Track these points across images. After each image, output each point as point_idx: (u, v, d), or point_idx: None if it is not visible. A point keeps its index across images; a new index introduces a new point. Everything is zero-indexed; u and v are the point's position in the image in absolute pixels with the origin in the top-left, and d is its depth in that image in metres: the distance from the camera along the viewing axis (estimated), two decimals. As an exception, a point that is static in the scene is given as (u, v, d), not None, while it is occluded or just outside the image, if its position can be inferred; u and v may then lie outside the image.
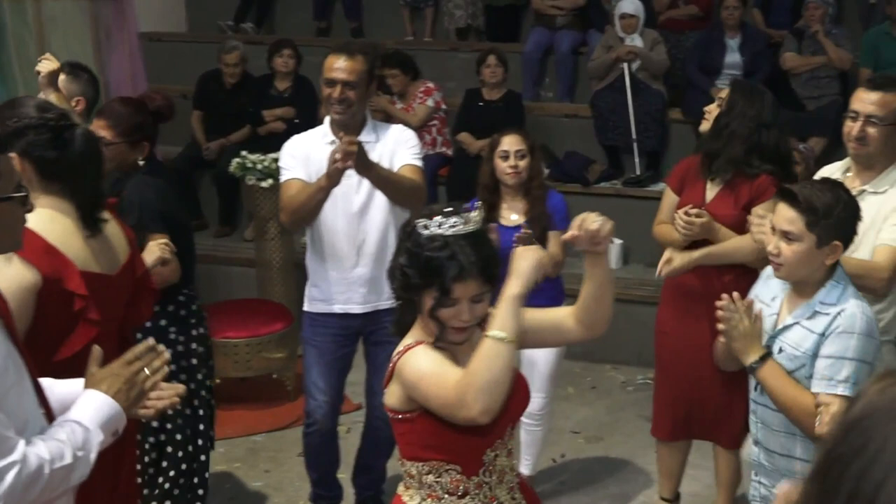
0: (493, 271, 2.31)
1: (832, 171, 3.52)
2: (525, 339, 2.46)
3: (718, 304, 2.82)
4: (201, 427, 3.87)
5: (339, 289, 3.90)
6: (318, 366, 4.00)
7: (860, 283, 2.91)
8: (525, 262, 2.29)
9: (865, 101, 3.31)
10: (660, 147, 7.16)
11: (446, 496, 2.40)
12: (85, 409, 2.08)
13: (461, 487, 2.39)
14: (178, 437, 3.77)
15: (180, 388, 2.38)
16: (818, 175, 3.44)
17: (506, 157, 4.09)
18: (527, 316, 2.42)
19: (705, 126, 3.88)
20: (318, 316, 3.97)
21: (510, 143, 4.10)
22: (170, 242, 3.52)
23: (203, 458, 3.91)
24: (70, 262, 2.61)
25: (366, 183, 3.76)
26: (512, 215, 4.13)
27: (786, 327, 2.78)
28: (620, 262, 6.73)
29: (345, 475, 4.38)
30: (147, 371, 2.18)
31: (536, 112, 7.43)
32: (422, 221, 2.32)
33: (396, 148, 3.83)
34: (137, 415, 2.27)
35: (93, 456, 2.04)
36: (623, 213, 6.71)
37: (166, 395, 2.31)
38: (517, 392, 2.47)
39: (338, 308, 3.93)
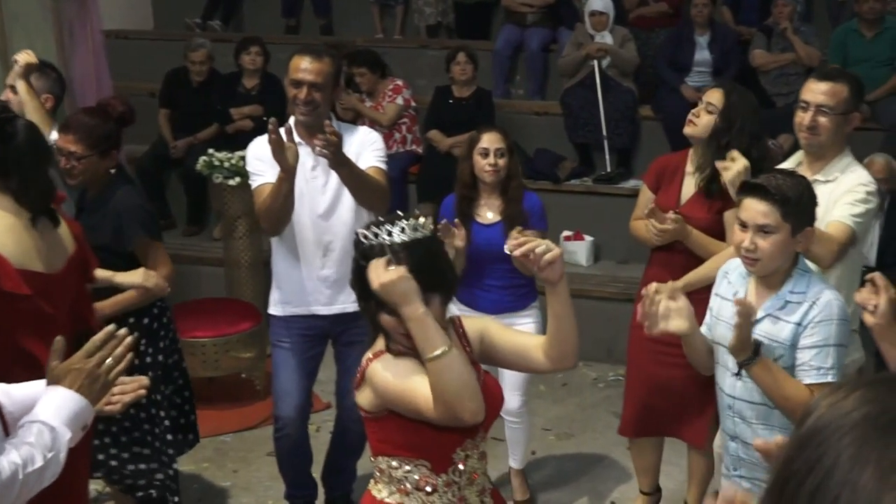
0: (429, 279, 2.27)
1: (787, 166, 3.56)
2: (493, 357, 2.54)
3: (736, 300, 2.72)
4: (169, 437, 3.84)
5: (305, 291, 3.86)
6: (286, 369, 3.95)
7: (809, 249, 2.93)
8: (396, 287, 2.20)
9: (815, 91, 3.35)
10: (630, 144, 7.16)
11: (415, 491, 2.40)
12: (48, 407, 2.02)
13: (429, 484, 2.40)
14: (124, 439, 3.72)
15: (144, 380, 2.33)
16: None
17: (485, 154, 4.03)
18: (499, 337, 2.51)
19: (692, 130, 3.79)
20: (285, 319, 3.92)
21: (490, 140, 4.04)
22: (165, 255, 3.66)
23: (175, 465, 3.89)
24: (5, 262, 2.55)
25: (332, 184, 3.73)
26: (488, 213, 4.10)
27: (758, 320, 2.78)
28: (591, 259, 6.72)
29: (316, 474, 4.33)
30: (110, 361, 2.10)
31: (507, 109, 7.41)
32: (362, 232, 2.33)
33: (362, 150, 3.78)
34: (104, 410, 2.22)
35: (63, 455, 2.00)
36: (594, 210, 6.75)
37: (130, 388, 2.27)
38: (487, 397, 2.45)
39: (304, 310, 3.88)
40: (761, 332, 2.77)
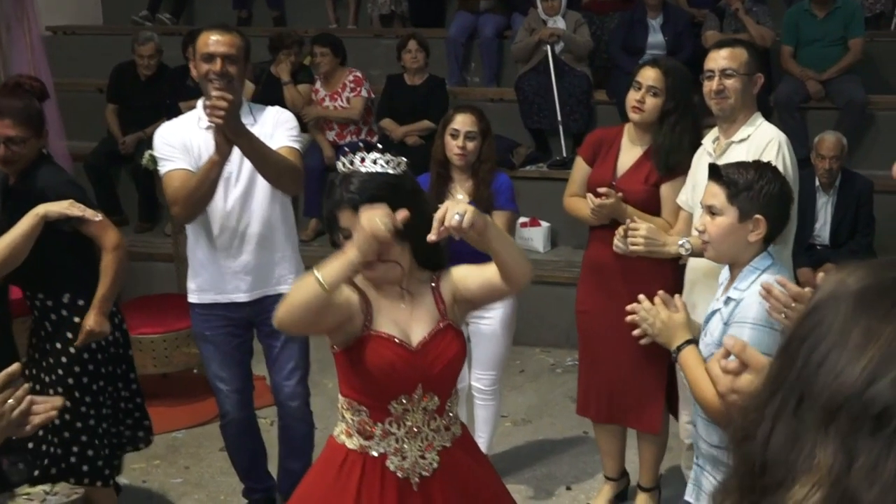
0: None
1: (706, 143, 3.62)
2: (471, 302, 2.64)
3: (629, 308, 2.73)
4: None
5: (224, 278, 3.76)
6: (216, 359, 3.87)
7: None
8: (361, 234, 2.31)
9: (717, 58, 3.53)
10: (586, 129, 7.09)
11: (356, 434, 2.56)
12: None
13: (367, 430, 2.54)
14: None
15: (58, 402, 2.30)
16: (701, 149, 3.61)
17: (455, 135, 3.92)
18: (466, 283, 2.60)
19: (641, 116, 3.75)
20: (205, 307, 3.82)
21: (462, 122, 3.93)
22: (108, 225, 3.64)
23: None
24: None
25: (245, 168, 3.62)
26: (458, 194, 4.01)
27: (713, 312, 2.73)
28: (548, 245, 6.69)
29: (273, 469, 4.24)
30: (12, 402, 2.14)
31: (461, 96, 7.36)
32: (344, 158, 2.51)
33: (275, 129, 3.67)
34: (13, 433, 2.21)
35: None
36: (549, 195, 6.68)
37: (42, 409, 2.25)
38: (436, 356, 2.53)
39: (224, 298, 3.78)
40: (709, 326, 2.70)
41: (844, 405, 0.86)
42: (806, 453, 0.88)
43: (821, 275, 2.51)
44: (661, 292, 2.72)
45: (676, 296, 2.74)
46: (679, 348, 2.62)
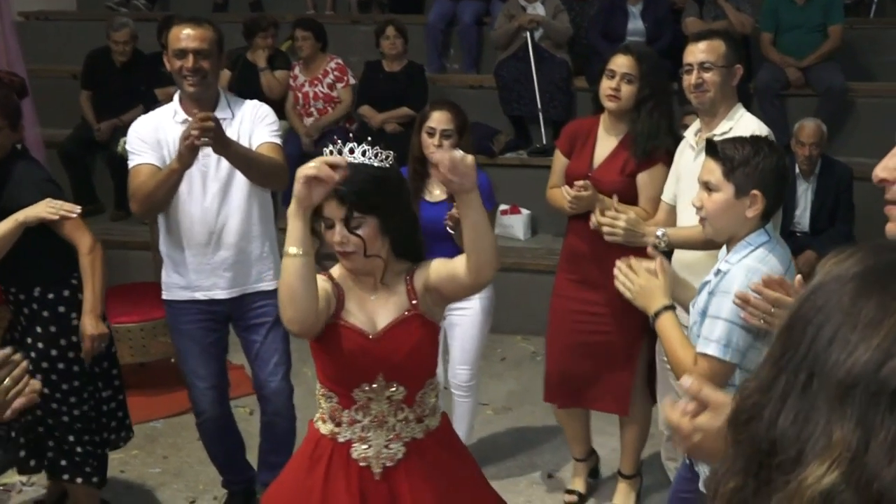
0: (357, 201, 2.42)
1: (688, 136, 3.60)
2: (440, 295, 2.61)
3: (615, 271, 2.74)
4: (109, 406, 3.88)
5: (201, 275, 3.70)
6: (192, 355, 3.81)
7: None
8: (295, 184, 2.32)
9: (695, 51, 3.50)
10: (566, 116, 7.07)
11: (329, 421, 2.62)
12: None
13: (336, 416, 2.60)
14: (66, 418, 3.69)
15: (37, 385, 2.26)
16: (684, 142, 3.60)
17: (431, 133, 3.87)
18: (436, 276, 2.58)
19: (617, 105, 3.71)
20: (182, 304, 3.75)
21: (438, 120, 3.86)
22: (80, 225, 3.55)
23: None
24: None
25: (224, 164, 3.55)
26: (436, 190, 3.97)
27: (704, 283, 2.72)
28: (528, 232, 6.66)
29: (252, 460, 4.19)
30: (8, 382, 2.11)
31: (440, 83, 7.32)
32: (333, 147, 2.48)
33: (254, 125, 3.62)
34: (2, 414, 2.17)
35: None
36: (530, 183, 6.67)
37: (23, 391, 2.20)
38: (396, 345, 2.53)
39: (201, 294, 3.72)
40: (698, 296, 2.71)
41: (860, 382, 0.86)
42: (819, 431, 0.87)
43: (798, 278, 2.50)
44: (649, 249, 2.77)
45: (658, 259, 2.72)
46: (657, 314, 2.64)
